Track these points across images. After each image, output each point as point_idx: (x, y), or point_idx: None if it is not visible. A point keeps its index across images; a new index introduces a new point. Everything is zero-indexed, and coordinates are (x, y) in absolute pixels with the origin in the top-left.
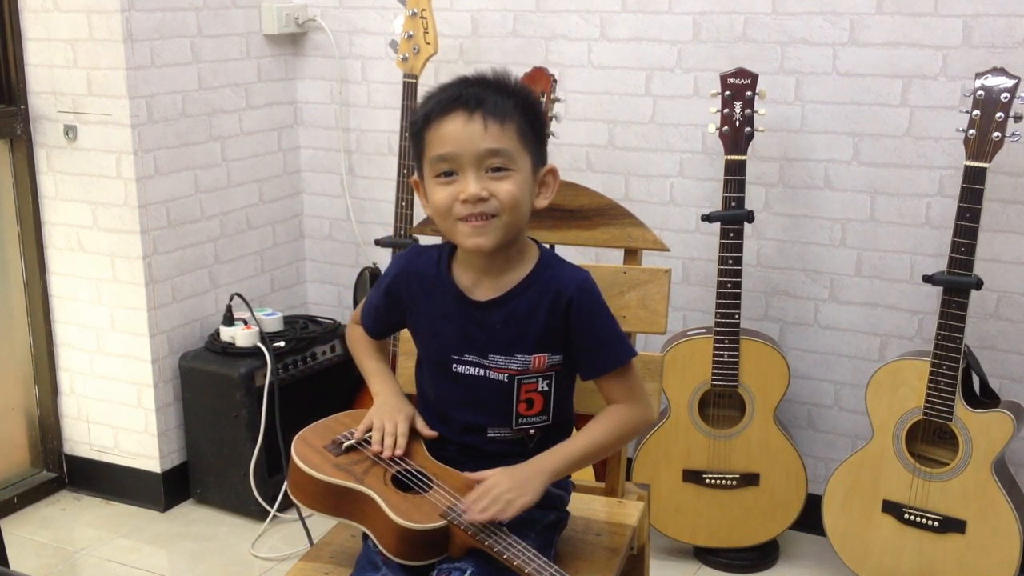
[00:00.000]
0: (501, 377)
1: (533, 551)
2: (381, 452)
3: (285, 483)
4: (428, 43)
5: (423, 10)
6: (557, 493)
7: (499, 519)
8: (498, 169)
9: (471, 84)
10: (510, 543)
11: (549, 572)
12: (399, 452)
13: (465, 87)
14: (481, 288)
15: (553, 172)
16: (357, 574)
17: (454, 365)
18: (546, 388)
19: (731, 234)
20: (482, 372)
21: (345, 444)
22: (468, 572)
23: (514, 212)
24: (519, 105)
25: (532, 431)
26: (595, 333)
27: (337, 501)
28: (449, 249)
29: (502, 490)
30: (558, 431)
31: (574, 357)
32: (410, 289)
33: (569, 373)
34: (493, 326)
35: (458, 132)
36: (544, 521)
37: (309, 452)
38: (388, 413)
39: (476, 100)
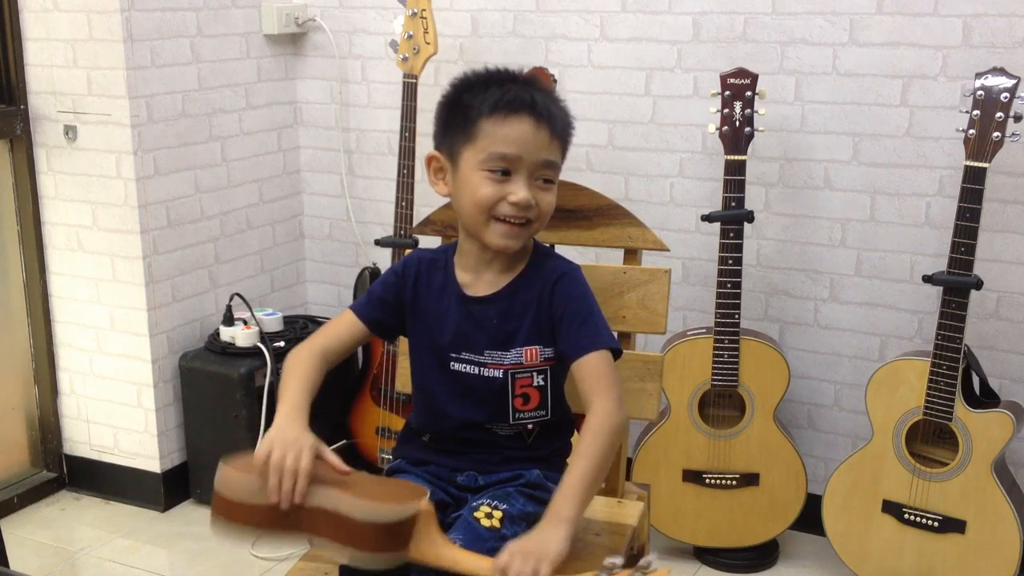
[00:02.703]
0: (496, 373)
1: None
2: (279, 502)
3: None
4: (428, 43)
5: (423, 10)
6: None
7: None
8: (548, 180)
9: (535, 89)
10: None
11: None
12: (298, 498)
13: (533, 92)
14: (479, 284)
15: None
16: None
17: (452, 363)
18: (542, 383)
19: (731, 234)
20: (477, 370)
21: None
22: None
23: (543, 222)
24: (568, 123)
25: (530, 426)
26: (575, 315)
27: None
28: (453, 248)
29: (520, 566)
30: (558, 428)
31: (557, 340)
32: (419, 283)
33: (565, 368)
34: (490, 321)
35: (526, 137)
36: (539, 515)
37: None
38: (289, 444)
39: (547, 111)
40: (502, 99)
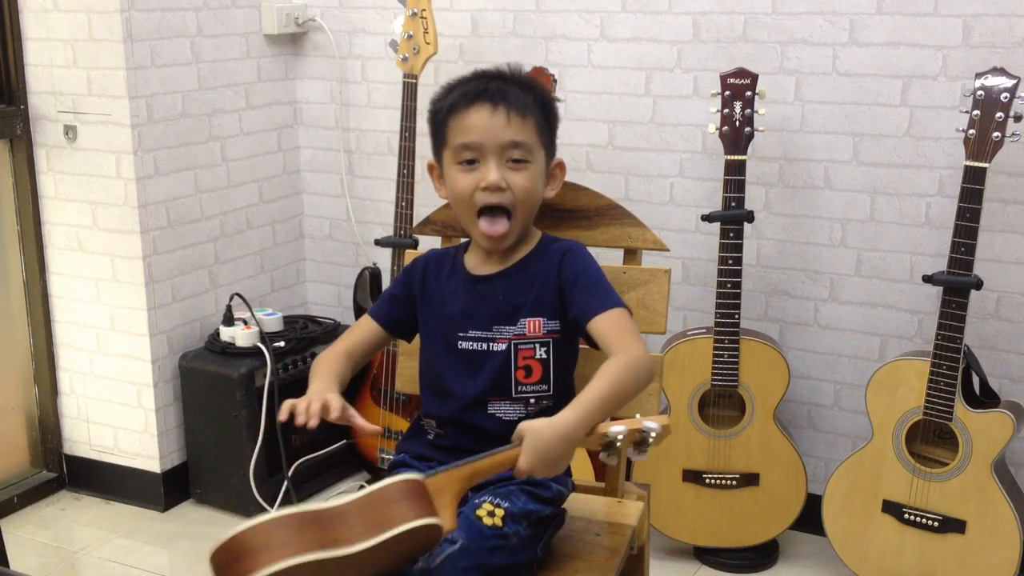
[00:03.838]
0: (501, 347)
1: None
2: (307, 423)
3: None
4: (428, 43)
5: (423, 10)
6: (557, 488)
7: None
8: (517, 160)
9: (494, 78)
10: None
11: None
12: (334, 414)
13: (489, 81)
14: (487, 266)
15: (561, 165)
16: None
17: (459, 342)
18: (544, 356)
19: (731, 234)
20: (485, 345)
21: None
22: (459, 544)
23: (527, 204)
24: (538, 101)
25: (532, 400)
26: (585, 283)
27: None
28: (465, 245)
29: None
30: (559, 409)
31: (568, 308)
32: (427, 275)
33: (568, 345)
34: (496, 297)
35: (483, 123)
36: (540, 514)
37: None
38: (316, 391)
39: (501, 94)
40: (458, 95)
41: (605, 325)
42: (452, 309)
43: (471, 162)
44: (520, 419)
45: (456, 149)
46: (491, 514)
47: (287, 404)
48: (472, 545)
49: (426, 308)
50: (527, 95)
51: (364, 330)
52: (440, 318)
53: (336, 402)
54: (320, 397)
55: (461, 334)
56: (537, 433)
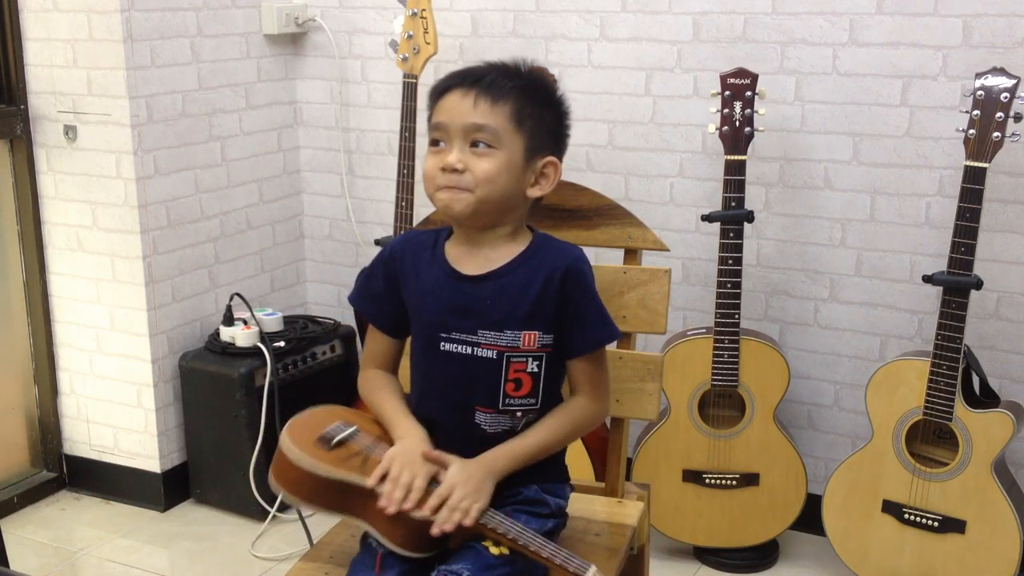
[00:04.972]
0: (489, 354)
1: (531, 531)
2: (387, 506)
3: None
4: (428, 43)
5: (423, 10)
6: (556, 503)
7: (465, 524)
8: (482, 145)
9: (485, 66)
10: (511, 524)
11: (549, 550)
12: (408, 506)
13: (477, 69)
14: (472, 263)
15: (553, 164)
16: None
17: (442, 343)
18: (535, 370)
19: (731, 234)
20: (470, 350)
21: (335, 440)
22: (464, 575)
23: (488, 188)
24: (519, 88)
25: (519, 414)
26: (588, 307)
27: (337, 497)
28: (447, 231)
29: (459, 498)
30: None
31: (563, 332)
32: (404, 260)
33: (560, 358)
34: (483, 300)
35: (452, 105)
36: (543, 530)
37: (303, 445)
38: (409, 462)
39: (475, 78)
40: (443, 81)
41: (580, 370)
42: (434, 305)
43: (439, 144)
44: (505, 431)
45: (429, 130)
46: (496, 543)
47: (382, 471)
48: (476, 573)
49: (408, 299)
50: (507, 81)
51: (382, 344)
52: (420, 312)
53: (416, 494)
54: (408, 480)
55: (443, 335)
56: (466, 464)
